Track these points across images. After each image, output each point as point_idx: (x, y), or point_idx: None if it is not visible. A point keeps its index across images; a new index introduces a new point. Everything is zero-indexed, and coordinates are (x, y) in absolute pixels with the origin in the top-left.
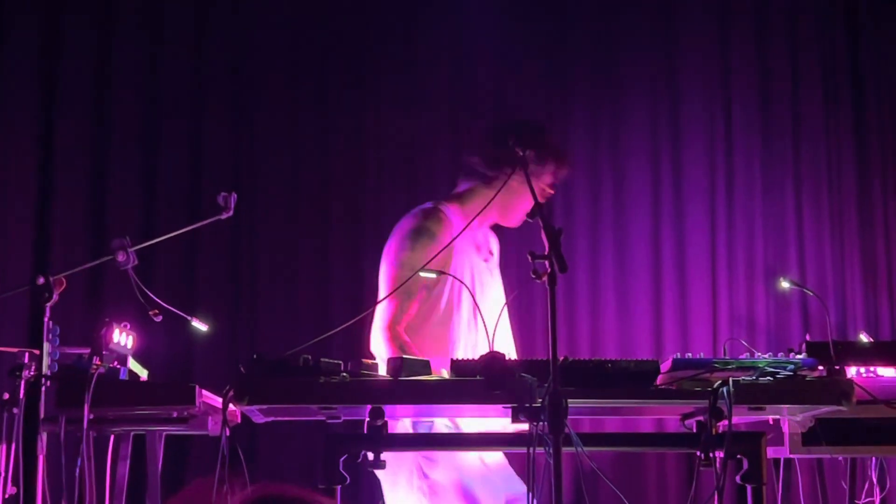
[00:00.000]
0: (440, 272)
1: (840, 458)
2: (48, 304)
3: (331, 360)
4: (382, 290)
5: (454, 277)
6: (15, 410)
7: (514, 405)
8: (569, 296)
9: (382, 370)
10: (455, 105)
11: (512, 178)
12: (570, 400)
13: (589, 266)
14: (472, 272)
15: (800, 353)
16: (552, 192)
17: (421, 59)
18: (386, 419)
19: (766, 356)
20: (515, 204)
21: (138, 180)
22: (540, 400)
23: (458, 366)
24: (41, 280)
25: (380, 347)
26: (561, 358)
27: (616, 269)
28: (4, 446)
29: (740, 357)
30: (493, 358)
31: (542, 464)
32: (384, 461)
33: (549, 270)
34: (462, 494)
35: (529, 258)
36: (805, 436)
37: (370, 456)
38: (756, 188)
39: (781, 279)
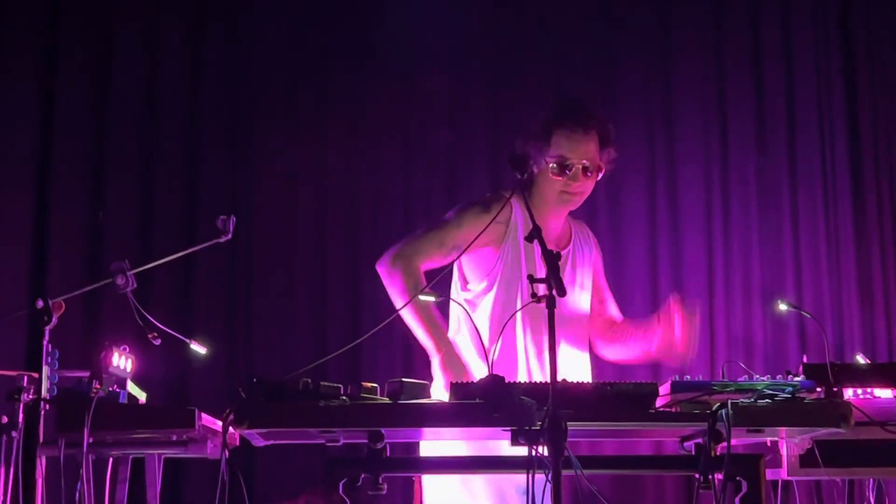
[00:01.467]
0: (439, 296)
1: (838, 479)
2: (47, 328)
3: (330, 384)
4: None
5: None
6: (14, 434)
7: (514, 428)
8: None
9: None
10: (451, 121)
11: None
12: (569, 422)
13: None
14: (530, 262)
15: (797, 375)
16: (593, 163)
17: (417, 79)
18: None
19: (764, 378)
20: (542, 187)
21: (136, 203)
22: (539, 423)
23: (457, 388)
24: (40, 304)
25: (387, 267)
26: (560, 380)
27: (613, 291)
28: (3, 470)
29: (739, 379)
30: (493, 381)
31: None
32: (384, 484)
33: (547, 294)
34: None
35: (528, 281)
36: (803, 458)
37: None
38: (752, 209)
39: (778, 301)
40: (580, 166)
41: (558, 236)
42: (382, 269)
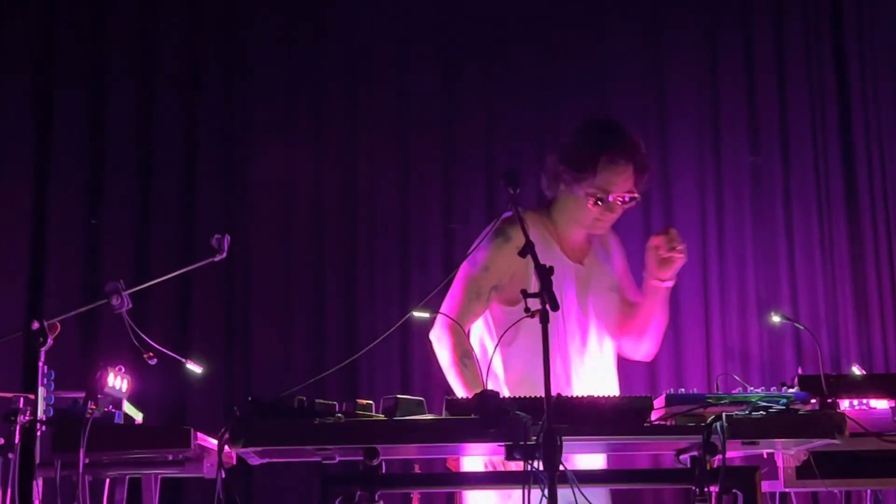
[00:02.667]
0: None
1: (836, 490)
2: (43, 349)
3: (326, 401)
4: (455, 289)
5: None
6: (11, 455)
7: (509, 443)
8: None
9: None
10: (447, 134)
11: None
12: (564, 437)
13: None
14: (564, 279)
15: (792, 386)
16: (631, 195)
17: (412, 94)
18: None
19: (758, 391)
20: (574, 211)
21: (132, 223)
22: (534, 438)
23: (451, 404)
24: (35, 325)
25: (443, 341)
26: (554, 395)
27: None
28: (1, 491)
29: (733, 392)
30: (487, 396)
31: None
32: (380, 502)
33: (540, 308)
34: None
35: (521, 296)
36: (800, 469)
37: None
38: (746, 221)
39: (773, 313)
40: (620, 200)
41: (580, 248)
42: (434, 340)
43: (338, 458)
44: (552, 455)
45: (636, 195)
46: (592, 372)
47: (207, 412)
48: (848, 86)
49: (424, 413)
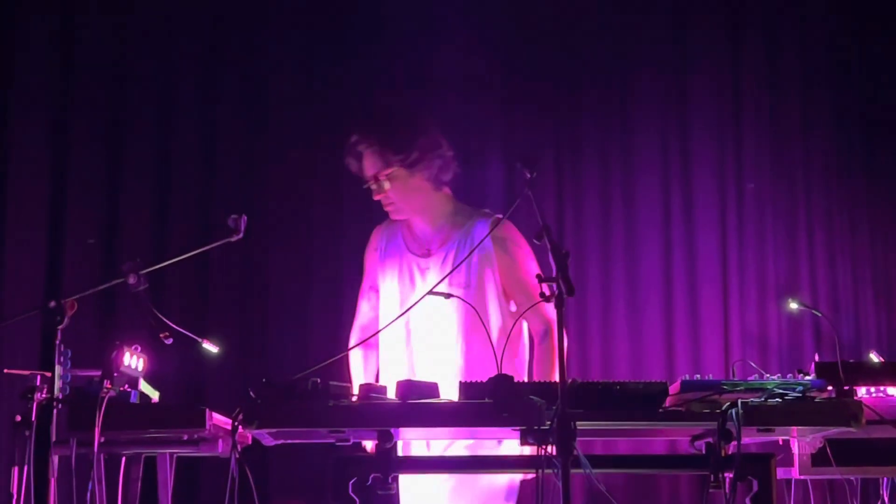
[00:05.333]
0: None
1: (853, 478)
2: (60, 328)
3: (340, 384)
4: None
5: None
6: (27, 433)
7: (523, 428)
8: (580, 317)
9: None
10: (463, 132)
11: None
12: (578, 422)
13: (600, 287)
14: (407, 274)
15: (809, 373)
16: (370, 184)
17: (430, 89)
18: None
19: (774, 377)
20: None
21: (150, 203)
22: (548, 422)
23: (466, 388)
24: (53, 303)
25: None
26: (569, 380)
27: (627, 290)
28: (17, 469)
29: (749, 378)
30: (502, 380)
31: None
32: (393, 484)
33: (556, 293)
34: None
35: (537, 281)
36: (815, 457)
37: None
38: (766, 206)
39: (790, 300)
40: (371, 186)
41: (427, 238)
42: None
43: (352, 441)
44: (566, 440)
45: (379, 177)
46: (434, 364)
47: (224, 392)
48: (867, 65)
49: (438, 397)
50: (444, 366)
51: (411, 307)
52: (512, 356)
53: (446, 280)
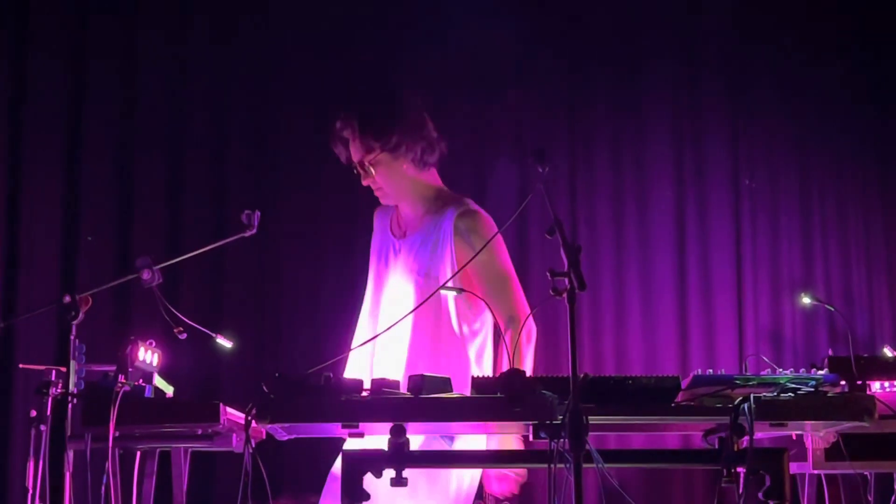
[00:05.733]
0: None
1: (866, 472)
2: (74, 323)
3: (352, 378)
4: None
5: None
6: (42, 427)
7: (535, 422)
8: (594, 312)
9: None
10: (478, 129)
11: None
12: (591, 416)
13: (614, 282)
14: (384, 256)
15: (822, 368)
16: (359, 168)
17: (442, 85)
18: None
19: (787, 372)
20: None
21: (163, 198)
22: (560, 417)
23: (478, 383)
24: (67, 299)
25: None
26: (581, 375)
27: (641, 284)
28: (32, 463)
29: (762, 373)
30: (514, 375)
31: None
32: (406, 478)
33: (568, 288)
34: None
35: (549, 275)
36: (829, 451)
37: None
38: (780, 201)
39: (803, 295)
40: (355, 171)
41: (407, 223)
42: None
43: (366, 435)
44: (578, 435)
45: (364, 163)
46: (386, 351)
47: (238, 387)
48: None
49: (451, 391)
50: (394, 355)
51: (415, 308)
52: (459, 349)
53: (430, 271)
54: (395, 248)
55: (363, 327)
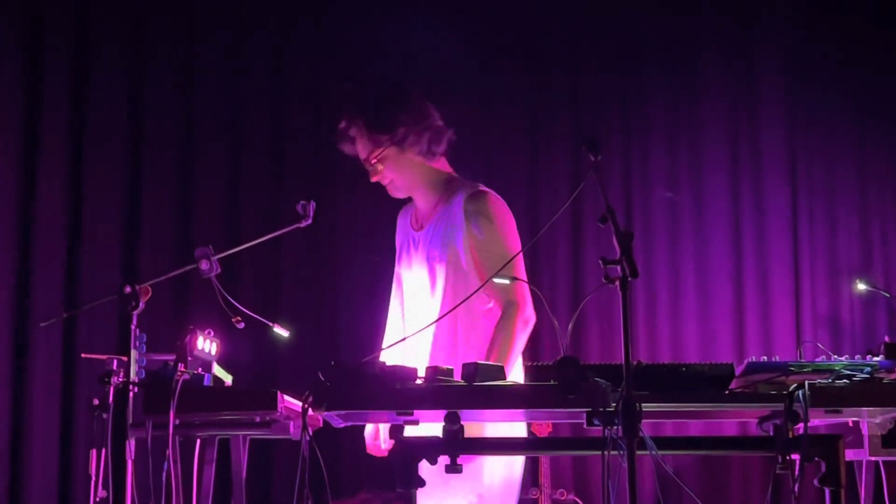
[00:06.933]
0: (513, 279)
1: None
2: (135, 313)
3: (406, 366)
4: None
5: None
6: (104, 416)
7: (589, 409)
8: (649, 299)
9: None
10: (533, 122)
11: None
12: (644, 404)
13: (669, 269)
14: (405, 252)
15: (878, 354)
16: (367, 165)
17: (497, 71)
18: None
19: (842, 359)
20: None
21: (223, 189)
22: (614, 404)
23: (532, 370)
24: (128, 289)
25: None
26: (635, 362)
27: (696, 271)
28: (94, 451)
29: (817, 360)
30: (567, 362)
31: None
32: (461, 465)
33: (620, 275)
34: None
35: (601, 263)
36: (885, 438)
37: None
38: (837, 186)
39: (858, 281)
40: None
41: (424, 215)
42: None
43: (421, 422)
44: (632, 422)
45: (371, 160)
46: (414, 341)
47: (295, 375)
48: None
49: (504, 379)
50: (419, 341)
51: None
52: (469, 332)
53: (447, 256)
54: (415, 242)
55: (394, 326)
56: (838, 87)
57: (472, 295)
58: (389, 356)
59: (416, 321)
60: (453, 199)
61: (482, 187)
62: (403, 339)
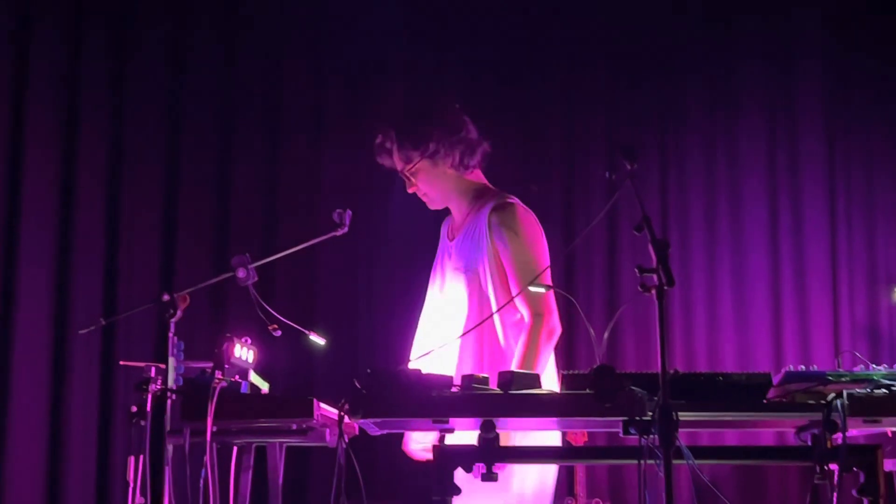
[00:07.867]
0: (549, 287)
1: None
2: (173, 320)
3: (442, 374)
4: None
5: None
6: (142, 423)
7: (625, 418)
8: (686, 307)
9: None
10: (569, 137)
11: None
12: (681, 413)
13: (706, 278)
14: (440, 262)
15: None
16: (403, 177)
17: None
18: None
19: (881, 368)
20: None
21: (260, 199)
22: (650, 413)
23: (568, 379)
24: (166, 297)
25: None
26: (671, 371)
27: (733, 280)
28: (132, 457)
29: (855, 369)
30: (603, 371)
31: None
32: (496, 473)
33: (656, 284)
34: None
35: (637, 272)
36: None
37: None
38: (876, 194)
39: (895, 289)
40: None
41: (456, 226)
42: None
43: (456, 430)
44: (668, 431)
45: (405, 173)
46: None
47: (331, 383)
48: None
49: (539, 387)
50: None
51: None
52: (494, 343)
53: (474, 266)
54: (449, 252)
55: (424, 330)
56: (877, 94)
57: (505, 305)
58: (420, 362)
59: (447, 330)
60: (482, 211)
61: (510, 198)
62: (428, 353)
